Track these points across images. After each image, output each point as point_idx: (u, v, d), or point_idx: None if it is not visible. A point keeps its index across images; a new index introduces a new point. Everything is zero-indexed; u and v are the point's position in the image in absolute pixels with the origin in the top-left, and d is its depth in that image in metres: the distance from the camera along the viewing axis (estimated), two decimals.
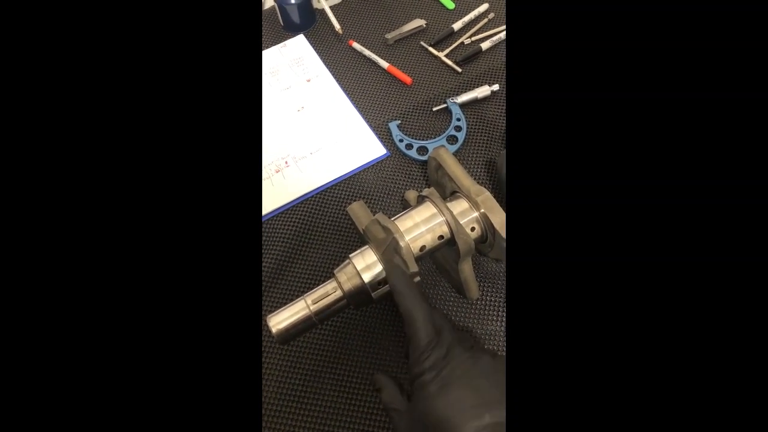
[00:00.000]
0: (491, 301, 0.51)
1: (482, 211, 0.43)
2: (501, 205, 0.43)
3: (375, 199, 0.59)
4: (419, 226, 0.42)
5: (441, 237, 0.43)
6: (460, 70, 0.69)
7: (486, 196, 0.43)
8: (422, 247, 0.42)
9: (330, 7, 0.75)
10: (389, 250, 0.41)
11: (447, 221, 0.42)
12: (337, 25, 0.73)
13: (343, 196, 0.60)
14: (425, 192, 0.44)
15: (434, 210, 0.43)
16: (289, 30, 0.75)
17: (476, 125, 0.64)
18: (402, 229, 0.42)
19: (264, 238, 0.57)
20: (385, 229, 0.41)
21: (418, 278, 0.41)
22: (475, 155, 0.61)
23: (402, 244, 0.40)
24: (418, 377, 0.34)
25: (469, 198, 0.44)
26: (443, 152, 0.48)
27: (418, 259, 0.42)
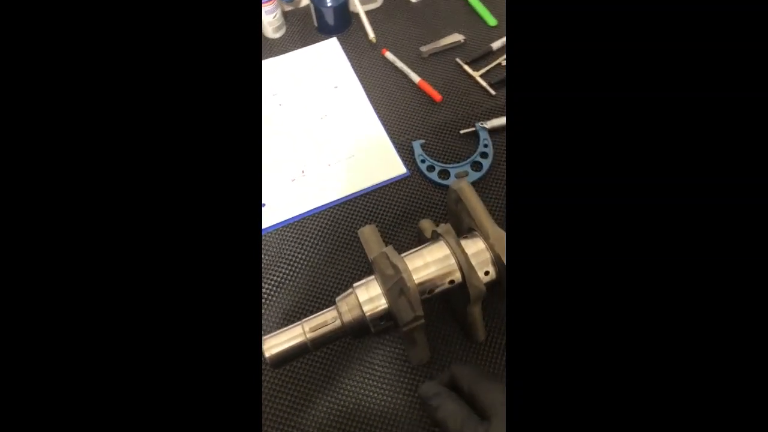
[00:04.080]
0: (498, 342, 0.49)
1: (498, 253, 0.41)
2: None
3: (389, 221, 0.57)
4: (429, 267, 0.40)
5: (452, 281, 0.40)
6: (494, 92, 0.66)
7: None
8: (430, 290, 0.40)
9: (366, 12, 0.73)
10: (395, 290, 0.39)
11: (459, 264, 0.40)
12: (371, 33, 0.71)
13: (356, 214, 0.58)
14: (440, 229, 0.42)
15: (447, 251, 0.41)
16: (323, 32, 0.73)
17: (504, 154, 0.61)
18: (411, 268, 0.39)
19: (271, 249, 0.56)
20: (394, 266, 0.39)
21: (422, 321, 0.39)
22: (498, 185, 0.59)
23: (409, 285, 0.38)
24: None
25: (486, 239, 0.42)
26: (465, 187, 0.45)
27: (425, 302, 0.40)
